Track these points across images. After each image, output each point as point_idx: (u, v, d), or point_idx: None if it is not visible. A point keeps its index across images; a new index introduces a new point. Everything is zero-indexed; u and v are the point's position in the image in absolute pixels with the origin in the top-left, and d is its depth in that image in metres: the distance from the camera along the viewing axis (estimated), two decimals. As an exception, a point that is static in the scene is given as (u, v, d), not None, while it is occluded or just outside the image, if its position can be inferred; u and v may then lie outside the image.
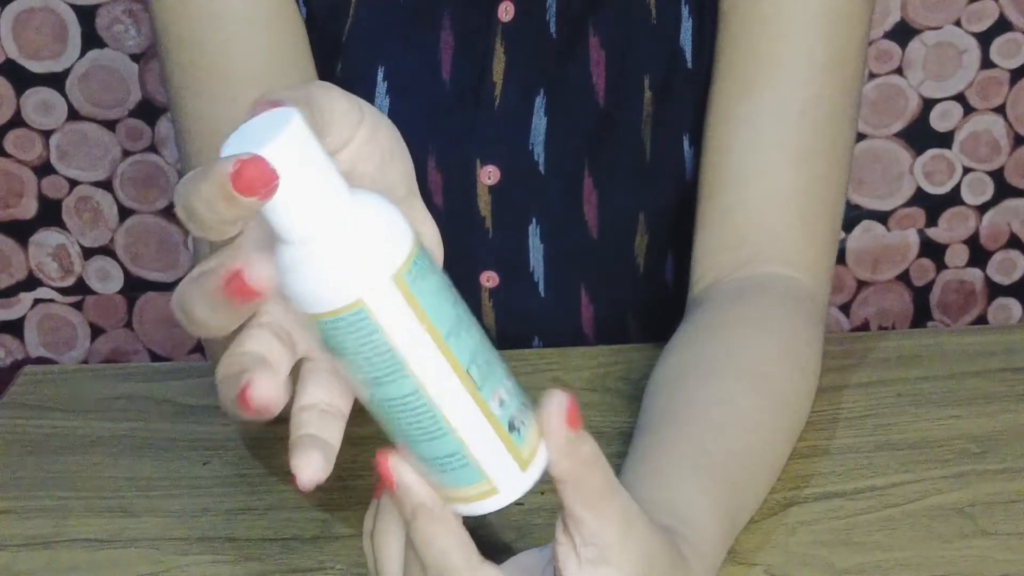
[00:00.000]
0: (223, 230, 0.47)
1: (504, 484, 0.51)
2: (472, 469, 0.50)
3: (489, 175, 0.85)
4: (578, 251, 0.87)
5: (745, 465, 0.67)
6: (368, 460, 0.75)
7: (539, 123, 0.84)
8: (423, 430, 0.49)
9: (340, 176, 0.47)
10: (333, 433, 0.52)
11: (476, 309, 0.89)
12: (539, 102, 0.84)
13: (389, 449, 0.51)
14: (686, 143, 0.85)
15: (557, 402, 0.50)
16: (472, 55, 0.83)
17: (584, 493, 0.51)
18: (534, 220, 0.86)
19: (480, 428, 0.50)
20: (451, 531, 0.51)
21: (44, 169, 1.61)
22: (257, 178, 0.44)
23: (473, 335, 0.49)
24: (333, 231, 0.46)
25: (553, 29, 0.83)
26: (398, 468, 0.51)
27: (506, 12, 0.83)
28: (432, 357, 0.48)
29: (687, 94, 0.84)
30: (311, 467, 0.50)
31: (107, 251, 1.65)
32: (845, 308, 1.71)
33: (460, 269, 0.91)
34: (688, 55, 0.83)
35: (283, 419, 0.78)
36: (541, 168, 0.85)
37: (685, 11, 0.83)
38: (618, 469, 0.65)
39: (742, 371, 0.71)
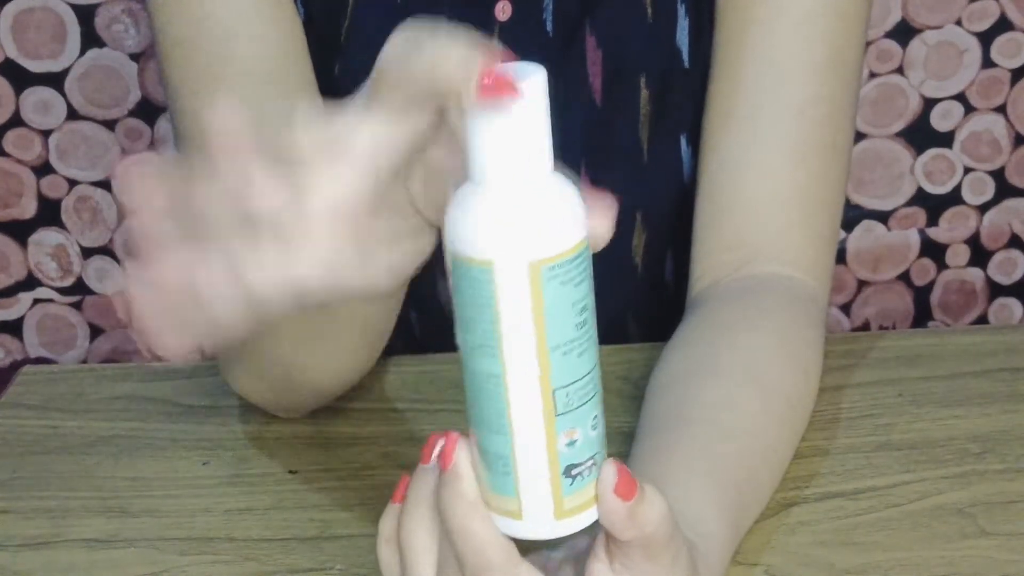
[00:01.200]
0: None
1: (531, 518, 0.50)
2: (509, 482, 0.49)
3: None
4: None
5: (751, 470, 0.66)
6: (368, 460, 0.75)
7: None
8: (489, 419, 0.49)
9: (550, 150, 0.47)
10: None
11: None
12: None
13: (460, 433, 0.50)
14: (683, 142, 0.84)
15: (610, 472, 0.49)
16: None
17: (647, 548, 0.51)
18: None
19: (536, 452, 0.48)
20: (492, 526, 0.50)
21: (43, 169, 1.61)
22: (505, 84, 0.45)
23: (582, 367, 0.48)
24: (512, 190, 0.46)
25: (550, 28, 0.83)
26: (460, 453, 0.50)
27: (503, 11, 0.83)
28: (528, 358, 0.47)
29: (684, 94, 0.83)
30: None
31: (106, 251, 1.65)
32: (845, 308, 1.71)
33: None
34: (685, 55, 0.83)
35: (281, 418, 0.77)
36: None
37: (682, 10, 0.82)
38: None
39: (745, 373, 0.70)
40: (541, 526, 0.50)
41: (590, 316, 0.48)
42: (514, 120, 0.46)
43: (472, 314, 0.48)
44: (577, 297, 0.47)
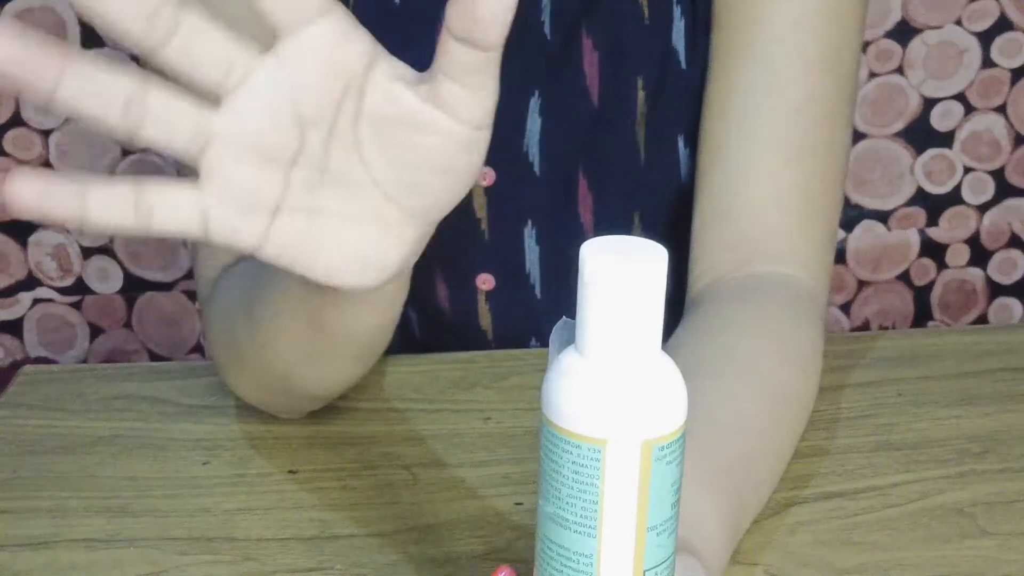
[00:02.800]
0: None
1: None
2: None
3: (484, 177, 0.85)
4: (574, 253, 0.86)
5: (750, 469, 0.66)
6: (368, 460, 0.76)
7: (534, 125, 0.84)
8: None
9: (660, 329, 0.46)
10: None
11: (473, 312, 0.89)
12: (534, 103, 0.84)
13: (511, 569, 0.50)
14: (681, 143, 0.85)
15: None
16: None
17: None
18: (529, 222, 0.86)
19: None
20: None
21: (44, 168, 1.61)
22: None
23: (670, 546, 0.48)
24: (626, 367, 0.46)
25: (548, 31, 0.83)
26: None
27: (501, 13, 0.83)
28: (626, 539, 0.47)
29: (681, 94, 0.84)
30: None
31: (106, 251, 1.65)
32: (845, 308, 1.71)
33: (456, 272, 0.92)
34: (682, 55, 0.83)
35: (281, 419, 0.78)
36: (536, 170, 0.85)
37: (677, 11, 0.83)
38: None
39: (744, 373, 0.71)
40: None
41: (679, 501, 0.48)
42: (632, 296, 0.45)
43: (571, 491, 0.47)
44: (677, 476, 0.47)
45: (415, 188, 0.53)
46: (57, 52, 0.47)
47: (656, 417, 0.46)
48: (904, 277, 1.69)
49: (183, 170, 0.57)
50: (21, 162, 1.61)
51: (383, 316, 0.65)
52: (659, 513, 0.47)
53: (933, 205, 1.66)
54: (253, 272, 0.71)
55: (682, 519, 0.59)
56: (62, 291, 1.67)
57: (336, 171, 0.52)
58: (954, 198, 1.66)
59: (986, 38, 1.59)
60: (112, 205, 0.49)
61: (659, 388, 0.46)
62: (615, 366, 0.46)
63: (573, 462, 0.46)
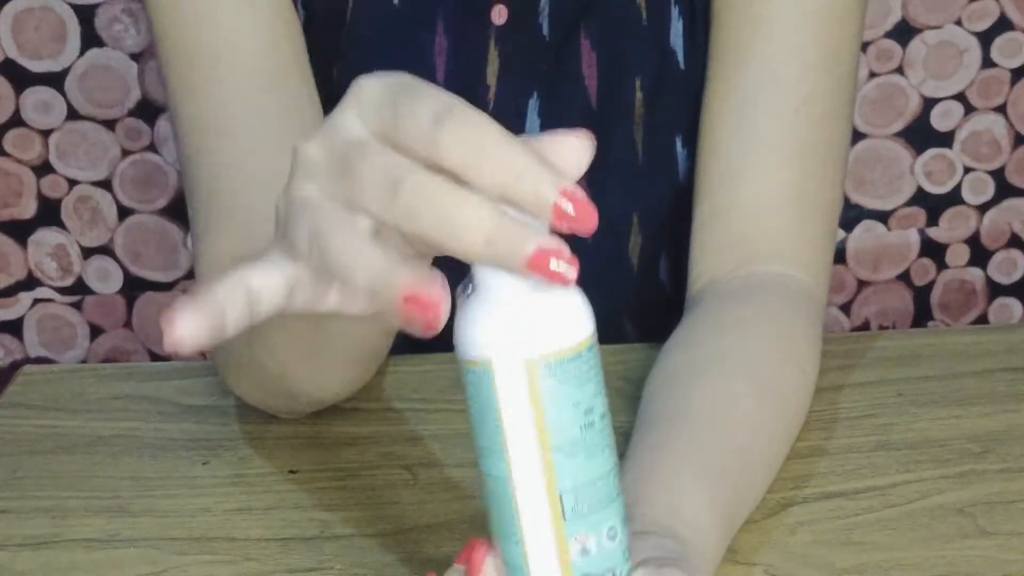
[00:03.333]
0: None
1: None
2: None
3: None
4: (573, 253, 0.86)
5: (744, 464, 0.66)
6: (368, 460, 0.75)
7: (532, 125, 0.84)
8: (503, 527, 0.48)
9: None
10: (234, 304, 0.49)
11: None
12: (532, 104, 0.84)
13: (487, 542, 0.49)
14: (679, 144, 0.85)
15: None
16: (466, 58, 0.83)
17: None
18: None
19: (547, 561, 0.47)
20: None
21: (43, 169, 1.61)
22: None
23: (592, 470, 0.47)
24: (512, 292, 0.46)
25: (546, 31, 0.83)
26: (486, 569, 0.48)
27: (499, 15, 0.83)
28: (531, 458, 0.46)
29: (679, 95, 0.84)
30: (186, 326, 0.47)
31: (107, 251, 1.65)
32: (845, 308, 1.71)
33: (457, 274, 0.91)
34: (680, 56, 0.83)
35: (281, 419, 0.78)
36: None
37: (675, 12, 0.83)
38: (624, 467, 0.65)
39: (739, 370, 0.71)
40: None
41: (600, 419, 0.47)
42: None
43: (478, 415, 0.47)
44: (580, 397, 0.47)
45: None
46: None
47: (539, 334, 0.46)
48: (904, 277, 1.69)
49: (181, 169, 0.57)
50: (20, 162, 1.61)
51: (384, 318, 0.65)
52: (561, 432, 0.46)
53: (933, 205, 1.66)
54: None
55: (669, 509, 0.60)
56: (62, 291, 1.67)
57: None
58: (954, 198, 1.66)
59: (986, 38, 1.59)
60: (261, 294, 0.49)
61: (542, 306, 0.47)
62: (502, 291, 0.47)
63: (473, 388, 0.47)
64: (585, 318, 0.47)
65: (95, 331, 1.69)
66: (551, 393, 0.46)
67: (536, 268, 0.44)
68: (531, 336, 0.46)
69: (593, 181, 0.86)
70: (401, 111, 0.45)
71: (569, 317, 0.47)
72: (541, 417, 0.46)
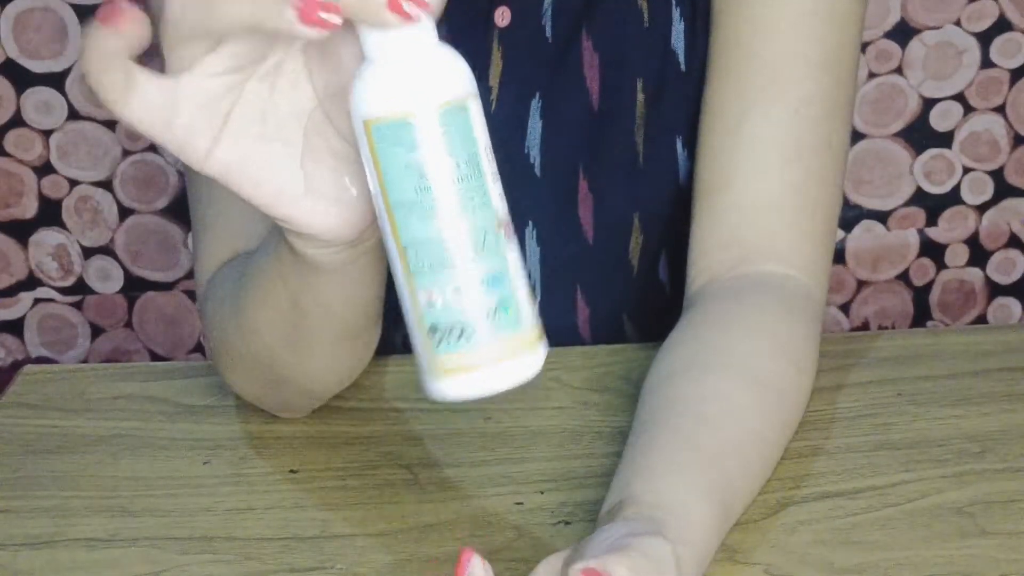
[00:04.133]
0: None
1: (423, 374, 0.52)
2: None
3: None
4: (573, 254, 0.87)
5: (738, 456, 0.67)
6: (369, 459, 0.76)
7: (535, 127, 0.84)
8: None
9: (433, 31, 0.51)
10: None
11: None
12: (535, 105, 0.84)
13: (473, 549, 0.54)
14: (679, 145, 0.85)
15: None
16: (469, 60, 0.83)
17: None
18: (530, 223, 0.86)
19: (408, 306, 0.52)
20: None
21: (44, 169, 1.61)
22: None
23: (428, 231, 0.51)
24: (378, 59, 0.50)
25: (549, 33, 0.83)
26: (472, 568, 0.53)
27: (503, 17, 0.83)
28: (382, 212, 0.51)
29: (680, 96, 0.84)
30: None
31: (107, 251, 1.65)
32: (845, 308, 1.71)
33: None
34: (681, 57, 0.83)
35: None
36: (537, 171, 0.85)
37: (676, 13, 0.83)
38: (617, 469, 0.66)
39: (735, 367, 0.71)
40: (427, 384, 0.52)
41: (436, 187, 0.51)
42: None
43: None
44: (411, 161, 0.50)
45: None
46: None
47: (373, 98, 0.50)
48: (903, 277, 1.70)
49: (184, 171, 0.57)
50: (21, 162, 1.61)
51: (359, 291, 0.65)
52: (397, 191, 0.51)
53: (932, 205, 1.66)
54: (244, 263, 0.71)
55: (658, 501, 0.60)
56: (63, 291, 1.67)
57: (291, 109, 0.55)
58: (953, 198, 1.66)
59: (985, 38, 1.59)
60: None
61: (375, 73, 0.50)
62: (373, 58, 0.51)
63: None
64: (429, 90, 0.51)
65: (96, 331, 1.69)
66: (384, 155, 0.50)
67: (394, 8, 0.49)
68: (367, 99, 0.50)
69: (595, 182, 0.86)
70: None
71: (406, 84, 0.50)
72: (380, 176, 0.51)
